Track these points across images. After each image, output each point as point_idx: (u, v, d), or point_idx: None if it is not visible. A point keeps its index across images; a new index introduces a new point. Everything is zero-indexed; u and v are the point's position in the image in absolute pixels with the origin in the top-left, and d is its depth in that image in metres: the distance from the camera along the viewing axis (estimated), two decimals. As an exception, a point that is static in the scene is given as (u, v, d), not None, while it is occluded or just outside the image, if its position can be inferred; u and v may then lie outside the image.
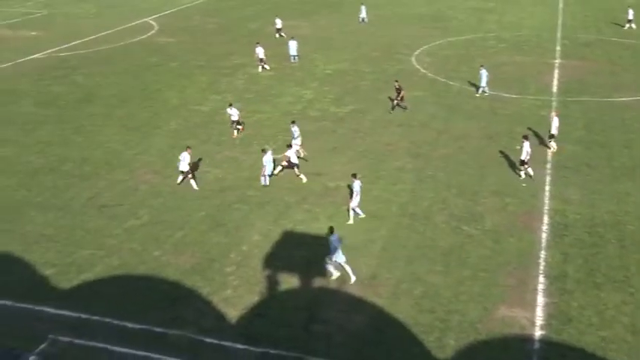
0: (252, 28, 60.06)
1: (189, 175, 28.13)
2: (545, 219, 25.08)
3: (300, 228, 24.78)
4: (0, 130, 35.34)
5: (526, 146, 27.66)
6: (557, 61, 47.13)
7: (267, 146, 29.50)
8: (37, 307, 20.27)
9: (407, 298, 20.46)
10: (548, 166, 29.67)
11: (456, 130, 34.04)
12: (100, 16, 67.38)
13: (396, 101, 36.46)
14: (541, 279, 21.30)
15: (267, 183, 28.13)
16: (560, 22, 60.40)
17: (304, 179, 28.42)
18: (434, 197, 26.91)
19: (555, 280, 21.21)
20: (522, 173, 28.35)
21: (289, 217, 25.58)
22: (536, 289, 20.79)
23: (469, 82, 41.55)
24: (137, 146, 32.65)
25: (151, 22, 63.68)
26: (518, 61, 47.31)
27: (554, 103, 37.78)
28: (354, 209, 25.13)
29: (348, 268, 21.28)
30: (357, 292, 20.87)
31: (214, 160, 30.84)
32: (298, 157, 29.29)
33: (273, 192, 27.56)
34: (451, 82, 41.84)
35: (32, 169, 30.36)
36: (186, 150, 28.22)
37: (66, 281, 21.68)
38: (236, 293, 20.90)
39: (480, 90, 39.03)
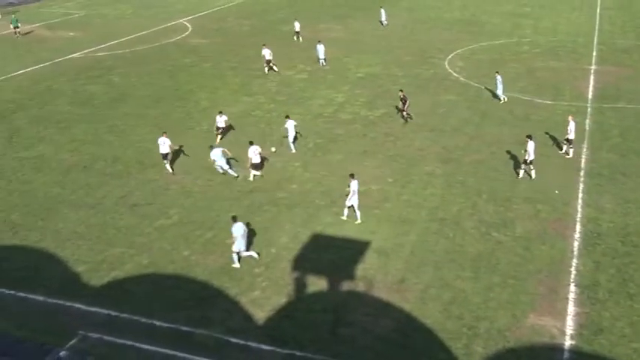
0: (285, 30, 60.19)
1: (169, 158, 30.10)
2: (578, 227, 24.70)
3: (329, 231, 24.78)
4: (37, 129, 36.03)
5: (530, 146, 27.85)
6: (593, 67, 46.39)
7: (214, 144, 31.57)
8: (68, 304, 20.60)
9: (435, 304, 20.31)
10: (582, 173, 29.21)
11: (488, 135, 33.71)
12: (136, 17, 68.31)
13: (405, 112, 35.65)
14: (572, 288, 20.97)
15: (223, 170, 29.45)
16: (597, 27, 59.46)
17: (251, 178, 29.07)
18: (464, 203, 26.69)
19: (587, 289, 20.86)
20: (523, 172, 28.63)
21: (318, 219, 25.59)
22: (567, 298, 20.47)
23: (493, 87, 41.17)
24: (169, 146, 32.95)
25: (185, 23, 64.35)
26: (553, 66, 46.69)
27: (589, 110, 37.23)
28: (350, 208, 25.31)
29: (245, 254, 22.60)
30: (384, 295, 20.80)
31: (245, 162, 30.94)
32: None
33: (303, 194, 27.61)
34: (484, 87, 41.46)
35: (66, 167, 30.87)
36: (163, 135, 29.98)
37: (97, 278, 21.99)
38: (264, 294, 20.97)
39: (502, 97, 38.73)
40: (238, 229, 22.17)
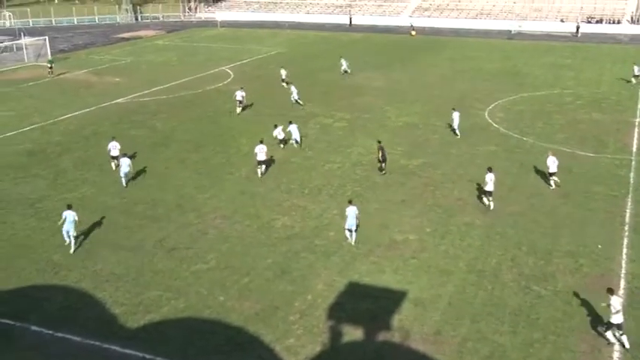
0: (325, 78, 61.06)
1: (116, 161, 35.23)
2: (622, 283, 24.03)
3: (366, 280, 24.57)
4: (80, 171, 36.82)
5: (489, 177, 29.97)
6: (638, 119, 45.79)
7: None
8: (104, 345, 20.69)
9: (472, 358, 19.85)
10: (627, 227, 28.56)
11: (528, 187, 33.31)
12: (181, 64, 70.09)
13: (382, 164, 35.13)
14: (617, 347, 20.29)
15: None
16: (640, 80, 58.86)
17: (259, 174, 34.79)
18: (503, 255, 26.26)
19: (632, 348, 20.16)
20: (485, 201, 30.75)
21: (355, 268, 25.42)
22: (611, 357, 19.83)
23: (542, 138, 40.83)
24: (208, 191, 33.34)
25: (227, 70, 65.75)
26: (596, 118, 46.23)
27: (633, 163, 36.60)
28: (349, 231, 27.26)
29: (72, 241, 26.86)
30: (420, 347, 20.42)
31: (282, 208, 31.11)
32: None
33: (340, 242, 27.51)
34: (524, 138, 41.17)
35: (106, 209, 31.37)
36: (112, 140, 36.57)
37: (133, 321, 22.09)
38: (299, 342, 20.78)
39: (458, 132, 41.26)
40: (69, 215, 26.94)
